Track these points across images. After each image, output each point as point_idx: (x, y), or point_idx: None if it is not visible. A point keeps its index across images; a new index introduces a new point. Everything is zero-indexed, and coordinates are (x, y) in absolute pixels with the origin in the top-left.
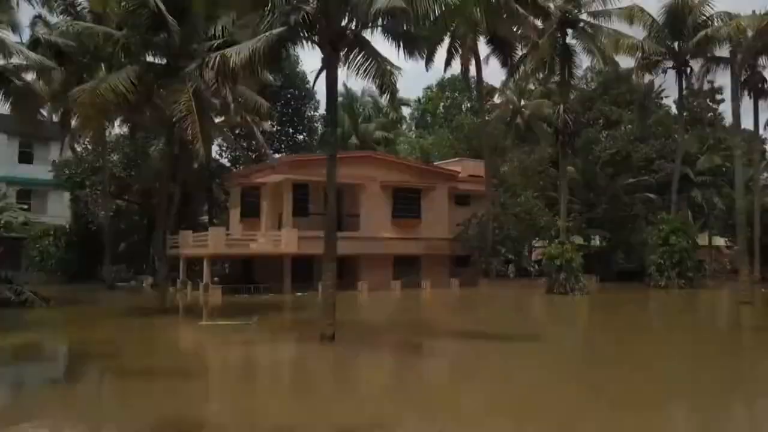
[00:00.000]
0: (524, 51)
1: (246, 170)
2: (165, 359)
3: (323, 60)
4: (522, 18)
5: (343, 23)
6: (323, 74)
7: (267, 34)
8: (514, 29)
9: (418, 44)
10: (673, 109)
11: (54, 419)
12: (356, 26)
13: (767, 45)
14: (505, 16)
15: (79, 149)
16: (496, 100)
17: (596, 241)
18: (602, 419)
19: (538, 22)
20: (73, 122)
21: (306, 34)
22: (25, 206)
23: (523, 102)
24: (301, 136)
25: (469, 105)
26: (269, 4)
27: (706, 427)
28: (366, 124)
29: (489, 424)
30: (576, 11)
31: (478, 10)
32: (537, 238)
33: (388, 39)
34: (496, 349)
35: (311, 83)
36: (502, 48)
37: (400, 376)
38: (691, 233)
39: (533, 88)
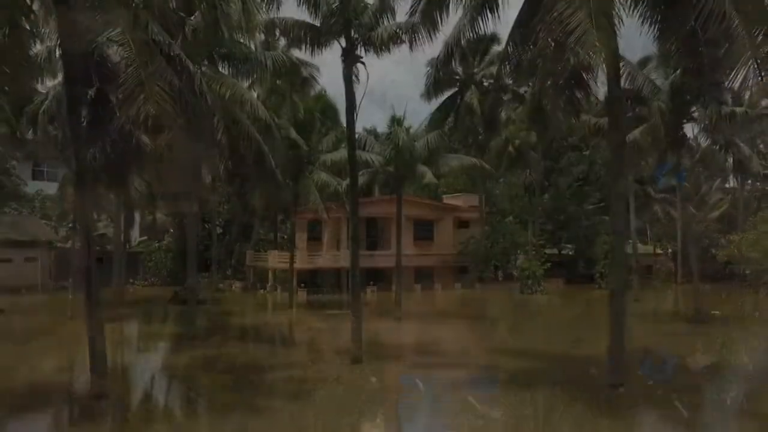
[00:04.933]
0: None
1: (311, 208)
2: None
3: (396, 191)
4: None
5: None
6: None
7: (366, 170)
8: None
9: None
10: None
11: None
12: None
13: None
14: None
15: None
16: None
17: (568, 251)
18: (538, 332)
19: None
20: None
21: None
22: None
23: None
24: None
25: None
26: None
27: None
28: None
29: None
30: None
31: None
32: (518, 251)
33: None
34: (494, 321)
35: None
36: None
37: (466, 330)
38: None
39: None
